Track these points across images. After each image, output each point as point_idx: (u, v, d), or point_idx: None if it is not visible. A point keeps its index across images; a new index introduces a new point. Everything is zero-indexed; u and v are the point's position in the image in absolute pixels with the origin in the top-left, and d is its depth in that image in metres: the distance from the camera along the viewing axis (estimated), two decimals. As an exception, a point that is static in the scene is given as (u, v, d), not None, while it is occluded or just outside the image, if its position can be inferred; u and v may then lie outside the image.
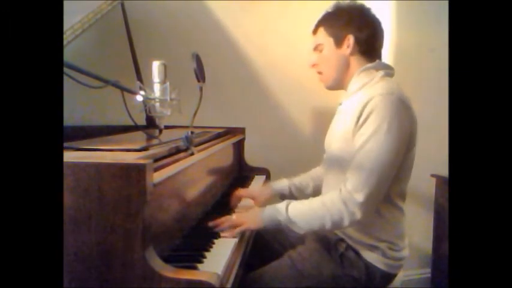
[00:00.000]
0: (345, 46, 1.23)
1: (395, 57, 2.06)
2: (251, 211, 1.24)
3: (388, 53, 2.01)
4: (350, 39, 1.22)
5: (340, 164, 1.19)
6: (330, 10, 1.27)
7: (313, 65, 1.30)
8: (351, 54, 1.23)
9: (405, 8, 2.13)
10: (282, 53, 2.14)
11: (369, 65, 1.22)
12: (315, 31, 1.29)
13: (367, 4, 1.28)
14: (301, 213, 1.12)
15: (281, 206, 1.14)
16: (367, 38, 1.22)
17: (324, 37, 1.26)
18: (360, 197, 1.07)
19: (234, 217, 1.16)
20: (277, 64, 2.14)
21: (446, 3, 0.83)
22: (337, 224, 1.10)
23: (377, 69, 1.22)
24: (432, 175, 2.12)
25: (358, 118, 1.12)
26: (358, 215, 1.07)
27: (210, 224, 1.13)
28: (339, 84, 1.28)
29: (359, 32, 1.22)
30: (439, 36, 1.83)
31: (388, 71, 1.23)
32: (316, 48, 1.29)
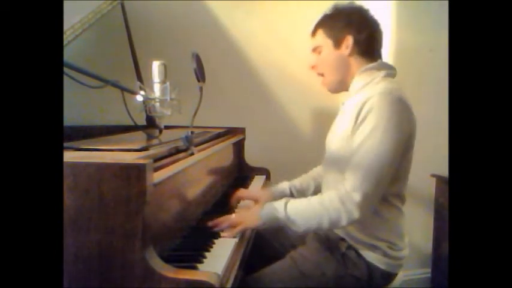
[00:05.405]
0: (343, 47, 1.23)
1: (396, 57, 2.06)
2: (250, 210, 1.25)
3: (388, 53, 2.01)
4: (349, 40, 1.22)
5: (339, 163, 1.19)
6: (328, 12, 1.27)
7: (313, 67, 1.31)
8: (350, 54, 1.23)
9: (405, 8, 2.13)
10: (282, 53, 2.14)
11: (371, 65, 1.22)
12: (313, 33, 1.29)
13: (367, 4, 1.28)
14: (299, 212, 1.12)
15: (279, 204, 1.14)
16: (366, 38, 1.22)
17: (322, 39, 1.26)
18: (357, 196, 1.07)
19: (233, 216, 1.16)
20: (277, 64, 2.14)
21: (446, 3, 0.83)
22: (334, 223, 1.10)
23: (378, 69, 1.22)
24: (432, 175, 2.12)
25: (357, 117, 1.13)
26: (356, 214, 1.07)
27: (210, 223, 1.13)
28: (342, 86, 1.28)
29: (358, 33, 1.22)
30: (439, 36, 1.84)
31: (390, 71, 1.23)
32: (315, 50, 1.29)
